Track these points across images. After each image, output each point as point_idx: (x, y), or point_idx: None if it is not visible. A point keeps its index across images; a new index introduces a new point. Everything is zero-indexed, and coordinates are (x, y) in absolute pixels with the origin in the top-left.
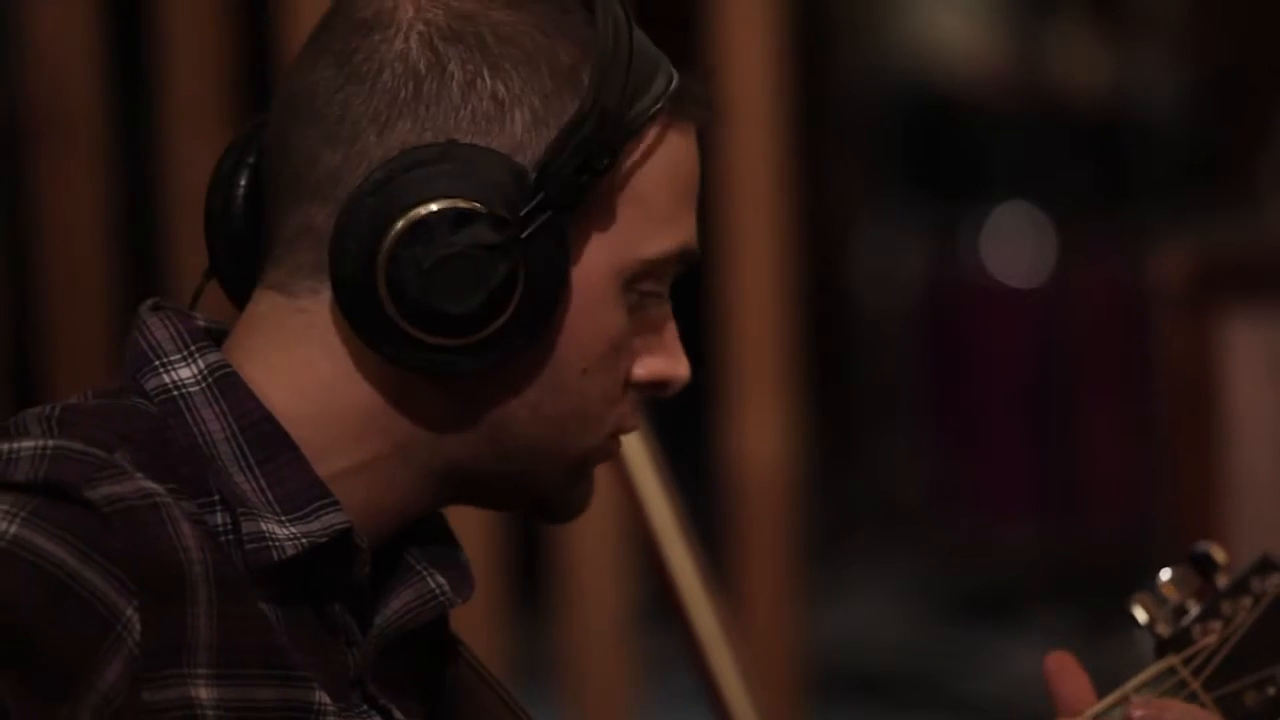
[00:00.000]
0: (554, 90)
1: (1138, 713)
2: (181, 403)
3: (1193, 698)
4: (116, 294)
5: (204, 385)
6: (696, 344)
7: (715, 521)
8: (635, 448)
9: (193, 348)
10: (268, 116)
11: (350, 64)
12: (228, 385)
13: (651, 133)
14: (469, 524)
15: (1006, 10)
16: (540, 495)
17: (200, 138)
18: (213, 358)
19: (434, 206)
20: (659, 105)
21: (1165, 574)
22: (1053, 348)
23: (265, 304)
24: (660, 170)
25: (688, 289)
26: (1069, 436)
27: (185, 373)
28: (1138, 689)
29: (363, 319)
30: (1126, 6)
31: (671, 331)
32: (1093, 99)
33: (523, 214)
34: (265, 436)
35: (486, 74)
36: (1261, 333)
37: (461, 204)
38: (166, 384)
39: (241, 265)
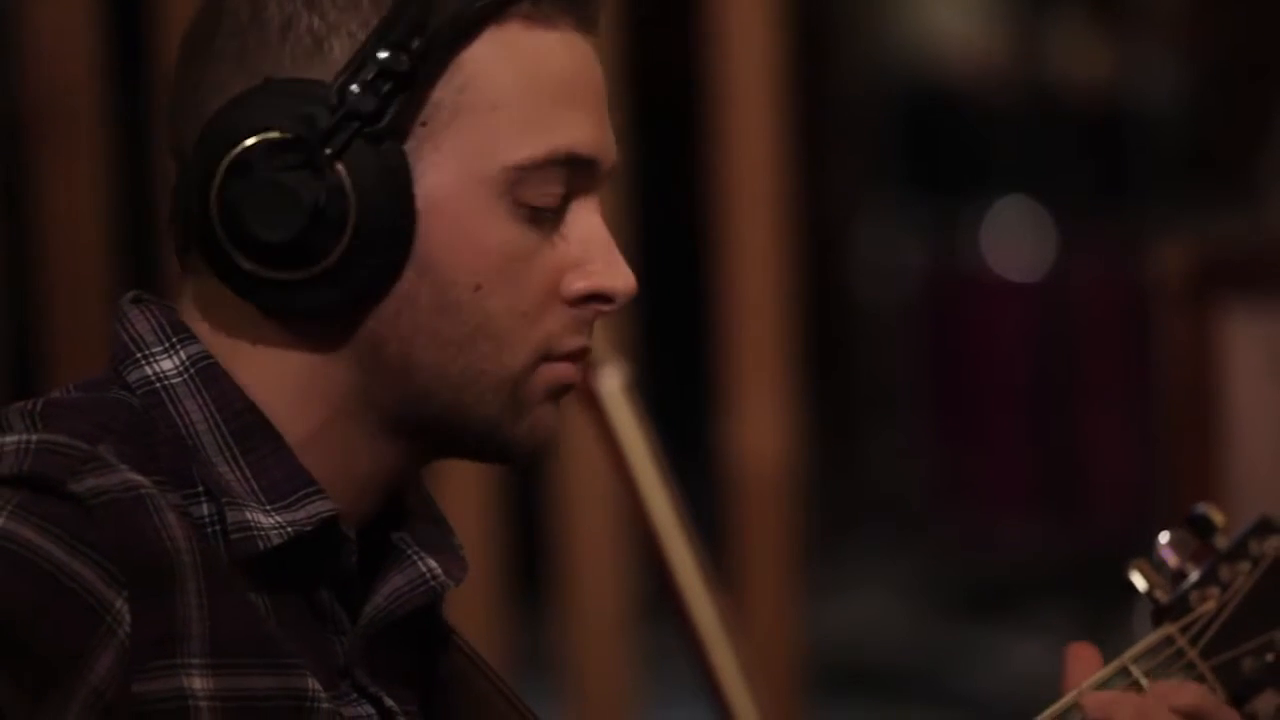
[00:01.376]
0: (371, 11)
1: (1091, 712)
2: (164, 394)
3: (1190, 667)
4: (117, 291)
5: (186, 376)
6: (697, 338)
7: (715, 517)
8: (635, 442)
9: (174, 339)
10: None
11: (195, 34)
12: (210, 376)
13: (494, 36)
14: (468, 519)
15: (1006, 5)
16: (483, 433)
17: None
18: (194, 349)
19: (248, 142)
20: (492, 7)
21: (1163, 537)
22: (1053, 343)
23: (190, 283)
24: (512, 73)
25: (688, 282)
26: (1069, 432)
27: (167, 364)
28: (1135, 659)
29: (224, 274)
30: (1126, 2)
31: (601, 241)
32: (1092, 94)
33: (325, 129)
34: (248, 426)
35: (303, 10)
36: (1262, 328)
37: (271, 135)
38: (149, 376)
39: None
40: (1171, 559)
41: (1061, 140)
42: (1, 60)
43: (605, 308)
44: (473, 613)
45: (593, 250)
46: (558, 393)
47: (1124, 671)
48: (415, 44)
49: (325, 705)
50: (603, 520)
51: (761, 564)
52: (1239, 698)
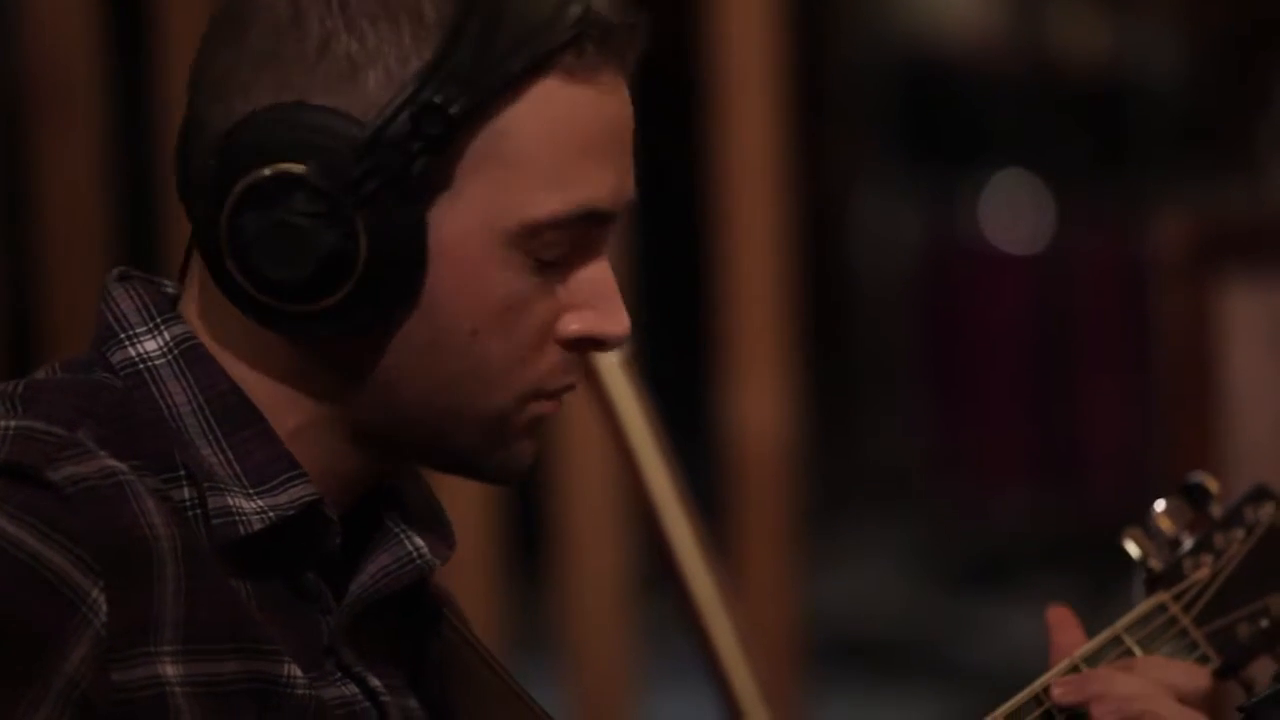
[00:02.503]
0: (412, 48)
1: (1057, 691)
2: (147, 375)
3: (1183, 635)
4: (115, 263)
5: (170, 358)
6: (695, 313)
7: (714, 491)
8: (634, 417)
9: (159, 319)
10: None
11: (226, 22)
12: (194, 357)
13: (532, 89)
14: (467, 493)
15: None
16: (461, 458)
17: None
18: (178, 329)
19: (265, 172)
20: (533, 64)
21: (1158, 505)
22: (1051, 315)
23: (195, 271)
24: (542, 128)
25: (687, 256)
26: (1068, 404)
27: (151, 345)
28: (1128, 628)
29: (223, 284)
30: None
31: (602, 287)
32: (1091, 66)
33: (350, 179)
34: (232, 409)
35: (343, 31)
36: (1261, 300)
37: (293, 169)
38: (132, 357)
39: None
40: (1166, 527)
41: (1060, 112)
42: (1, 32)
43: (599, 350)
44: (471, 588)
45: (594, 297)
46: (538, 426)
47: (1116, 640)
48: (455, 108)
49: (301, 690)
50: (602, 495)
51: (760, 537)
52: (1233, 664)
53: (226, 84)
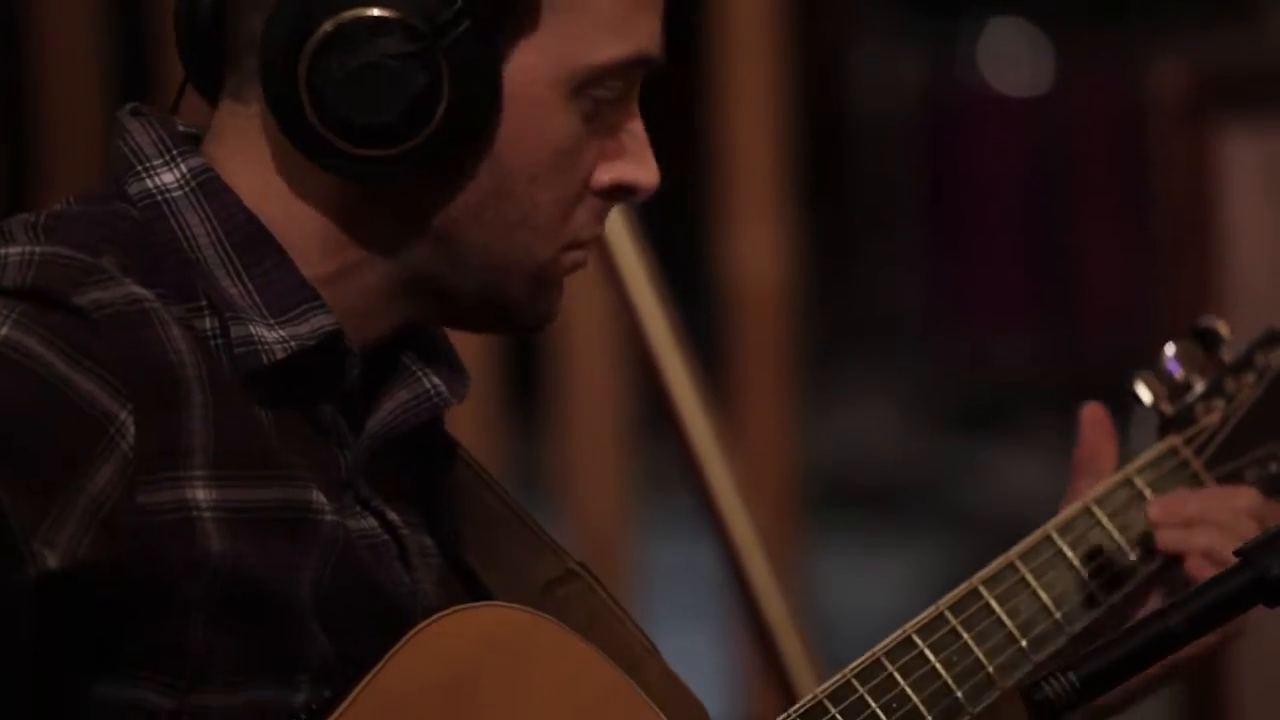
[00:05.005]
0: None
1: (1154, 511)
2: (165, 207)
3: (1194, 477)
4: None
5: (187, 189)
6: (695, 158)
7: (712, 336)
8: (632, 262)
9: (174, 152)
10: None
11: None
12: (211, 189)
13: None
14: (463, 337)
15: None
16: (503, 305)
17: None
18: (194, 162)
19: (350, 15)
20: None
21: (1169, 349)
22: (1050, 162)
23: (226, 112)
24: None
25: (686, 101)
26: (1066, 248)
27: (168, 177)
28: (1139, 470)
29: (292, 130)
30: None
31: (637, 136)
32: None
33: (441, 22)
34: (250, 239)
35: None
36: (1258, 146)
37: (378, 12)
38: (150, 189)
39: (214, 71)
40: (1177, 371)
41: None
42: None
43: (629, 199)
44: (470, 430)
45: (630, 145)
46: (567, 275)
47: (1128, 482)
48: None
49: (329, 517)
50: (600, 340)
51: (758, 382)
52: None
53: None
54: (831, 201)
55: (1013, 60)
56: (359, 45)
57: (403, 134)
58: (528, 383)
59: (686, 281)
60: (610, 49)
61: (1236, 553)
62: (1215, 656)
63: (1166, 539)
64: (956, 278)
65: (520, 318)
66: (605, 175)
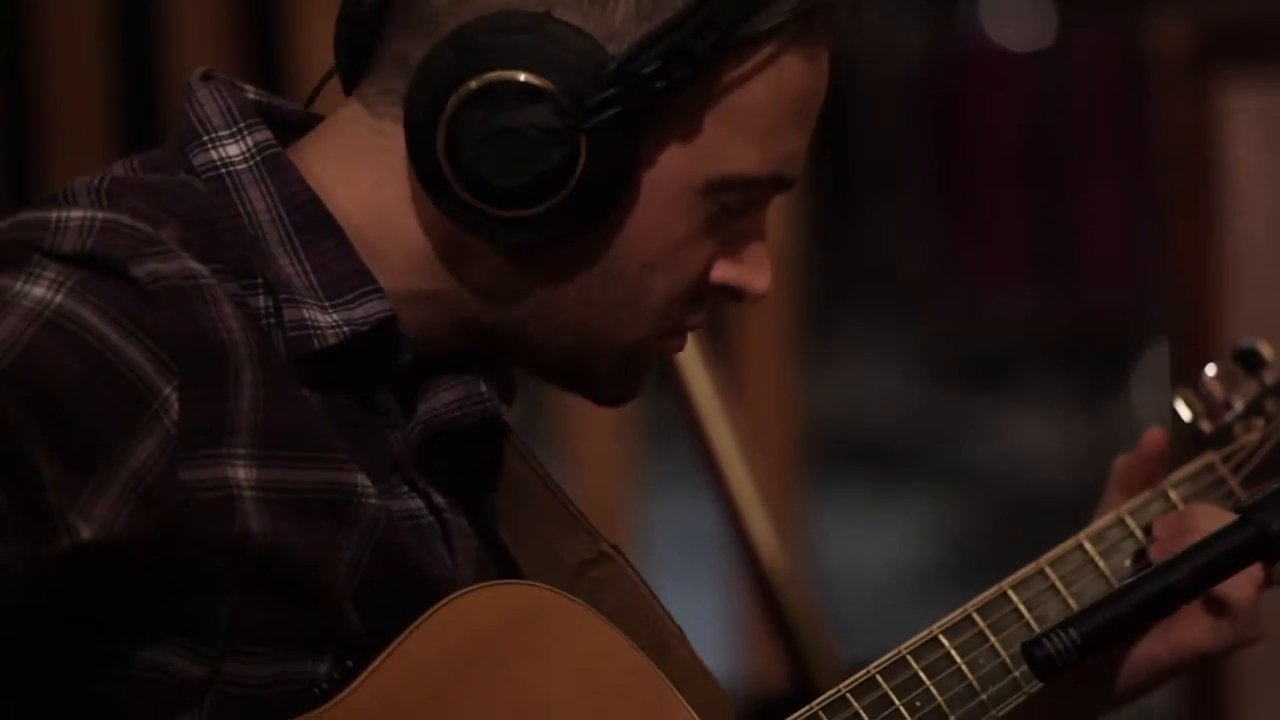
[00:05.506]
0: None
1: (1160, 531)
2: (229, 180)
3: (1230, 495)
4: (114, 90)
5: (252, 164)
6: None
7: None
8: None
9: (242, 124)
10: None
11: None
12: (275, 165)
13: (765, 49)
14: None
15: None
16: (586, 374)
17: None
18: (261, 135)
19: (505, 76)
20: (775, 25)
21: (1210, 370)
22: (1051, 117)
23: (351, 112)
24: (766, 89)
25: None
26: (1068, 204)
27: (233, 150)
28: (1175, 485)
29: (422, 166)
30: None
31: (758, 244)
32: None
33: (590, 105)
34: (311, 219)
35: None
36: (1260, 99)
37: (534, 80)
38: (214, 160)
39: (356, 66)
40: (1217, 390)
41: None
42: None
43: (735, 301)
44: None
45: (751, 250)
46: (661, 359)
47: (1163, 496)
48: (703, 55)
49: (373, 501)
50: None
51: (760, 338)
52: None
53: None
54: (833, 156)
55: (1014, 15)
56: (506, 107)
57: (526, 201)
58: None
59: None
60: (750, 161)
61: (1237, 509)
62: (1227, 657)
63: (1157, 550)
64: (958, 233)
65: (599, 389)
66: (720, 274)
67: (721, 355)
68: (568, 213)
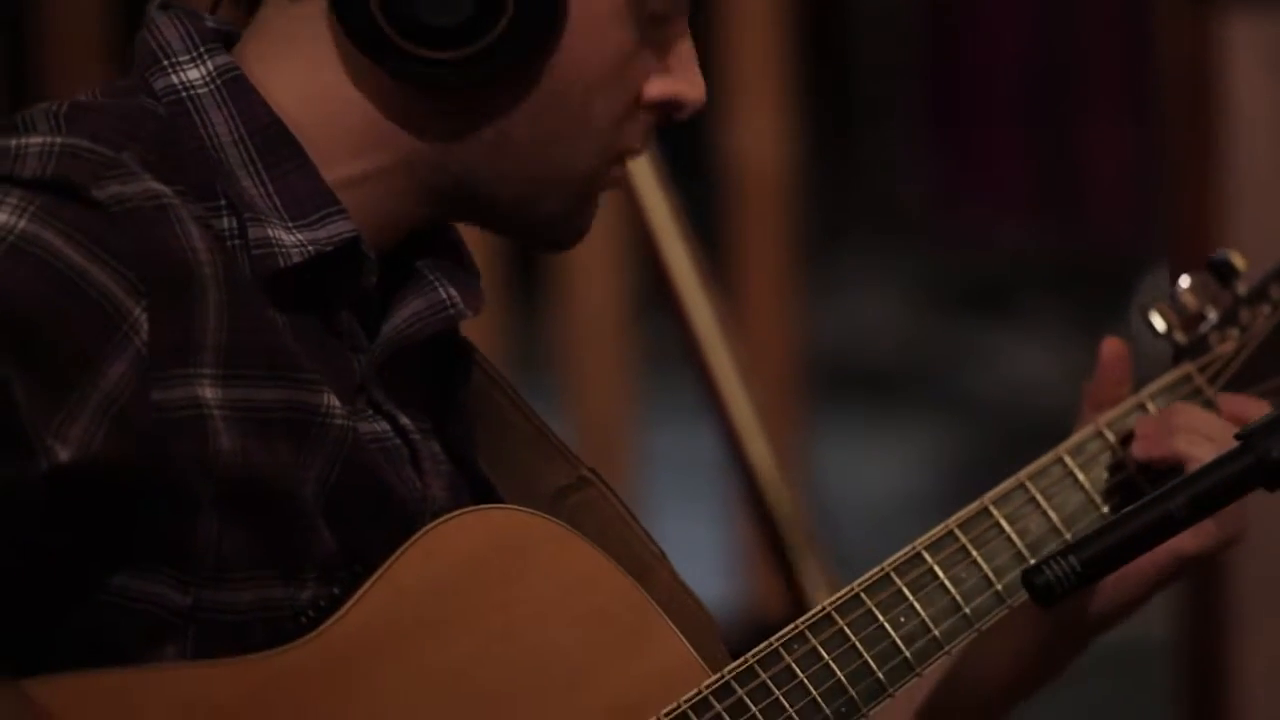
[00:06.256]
0: None
1: (1142, 430)
2: (190, 104)
3: (1207, 404)
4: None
5: (212, 87)
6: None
7: (714, 222)
8: None
9: (202, 49)
10: None
11: None
12: (236, 88)
13: None
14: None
15: None
16: (537, 216)
17: None
18: (221, 59)
19: None
20: None
21: (1184, 281)
22: (1052, 46)
23: (272, 8)
24: None
25: None
26: (1068, 132)
27: (194, 74)
28: (1153, 396)
29: (356, 28)
30: None
31: (687, 52)
32: None
33: None
34: (273, 141)
35: None
36: (1261, 27)
37: None
38: (175, 84)
39: None
40: (1191, 302)
41: None
42: None
43: (676, 115)
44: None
45: (681, 59)
46: (604, 190)
47: (1141, 407)
48: None
49: (339, 421)
50: (601, 221)
51: (760, 267)
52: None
53: None
54: (833, 88)
55: None
56: None
57: (467, 38)
58: (528, 262)
59: (688, 165)
60: None
61: (1237, 436)
62: (1214, 559)
63: (1140, 448)
64: (958, 163)
65: (551, 231)
66: (655, 89)
67: (721, 285)
68: (510, 43)
